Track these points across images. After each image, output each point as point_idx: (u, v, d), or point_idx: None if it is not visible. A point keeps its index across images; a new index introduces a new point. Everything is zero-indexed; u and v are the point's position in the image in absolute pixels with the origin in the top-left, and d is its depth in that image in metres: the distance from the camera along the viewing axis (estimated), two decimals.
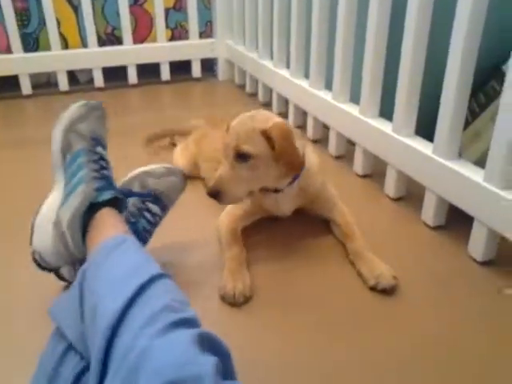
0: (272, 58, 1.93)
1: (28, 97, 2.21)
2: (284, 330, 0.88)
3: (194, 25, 2.33)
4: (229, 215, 1.14)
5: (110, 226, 0.81)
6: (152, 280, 0.62)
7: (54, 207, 0.88)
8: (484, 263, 1.03)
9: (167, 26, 2.33)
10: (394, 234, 1.17)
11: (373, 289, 0.96)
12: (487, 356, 0.82)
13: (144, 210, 1.01)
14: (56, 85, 2.27)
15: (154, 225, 1.03)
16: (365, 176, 1.43)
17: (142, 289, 0.60)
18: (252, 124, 1.00)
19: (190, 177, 1.40)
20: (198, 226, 1.20)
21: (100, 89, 2.30)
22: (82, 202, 0.84)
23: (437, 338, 0.85)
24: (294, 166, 1.02)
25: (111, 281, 0.65)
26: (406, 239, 1.14)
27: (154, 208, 1.02)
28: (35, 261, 0.89)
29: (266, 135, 0.98)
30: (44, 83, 2.38)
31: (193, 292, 0.98)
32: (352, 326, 0.89)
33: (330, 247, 1.12)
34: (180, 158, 1.45)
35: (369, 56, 1.30)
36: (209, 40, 2.41)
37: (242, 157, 0.98)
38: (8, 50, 2.14)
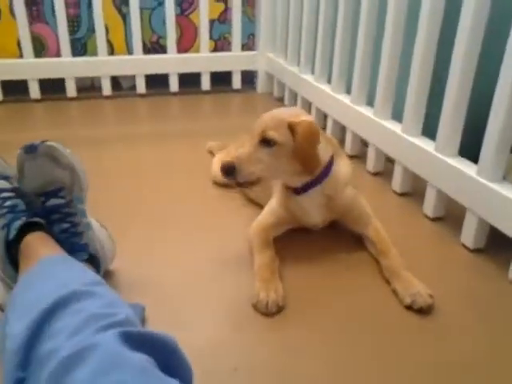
0: (313, 72, 1.94)
1: (72, 99, 2.28)
2: (316, 344, 0.87)
3: (237, 37, 2.37)
4: (260, 224, 1.14)
5: (33, 254, 0.78)
6: (72, 295, 0.60)
7: None
8: None
9: (211, 38, 2.38)
10: (432, 255, 1.15)
11: (408, 307, 0.95)
12: None
13: (48, 215, 0.88)
14: (99, 89, 2.34)
15: (69, 215, 0.90)
16: (403, 194, 1.41)
17: (59, 306, 0.58)
18: (282, 115, 1.04)
19: (227, 185, 1.43)
20: (233, 235, 1.20)
21: (141, 95, 2.35)
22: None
23: (469, 363, 0.83)
24: (307, 165, 1.03)
25: (25, 305, 0.62)
26: (444, 260, 1.12)
27: (51, 203, 0.89)
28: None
29: (292, 128, 1.01)
30: (88, 87, 2.46)
31: (223, 300, 0.99)
32: (385, 344, 0.87)
33: (363, 263, 1.10)
34: (219, 166, 1.47)
35: (414, 74, 1.29)
36: (251, 52, 2.44)
37: (266, 142, 1.01)
38: (58, 54, 2.22)
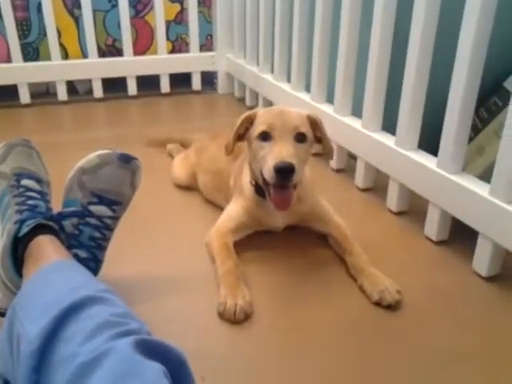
0: (272, 71, 1.93)
1: (27, 106, 2.20)
2: (284, 350, 0.86)
3: (194, 38, 2.34)
4: (219, 230, 1.10)
5: (43, 255, 0.77)
6: (85, 300, 0.59)
7: None
8: (489, 278, 1.02)
9: (168, 39, 2.33)
10: (397, 249, 1.15)
11: (377, 304, 0.94)
12: (492, 373, 0.80)
13: (86, 217, 0.88)
14: (55, 95, 2.26)
15: (106, 228, 0.90)
16: (366, 190, 1.42)
17: (73, 310, 0.58)
18: (297, 110, 1.05)
19: (188, 187, 1.40)
20: (197, 239, 1.17)
21: (99, 99, 2.29)
22: (7, 239, 0.81)
23: (440, 354, 0.83)
24: (331, 149, 1.09)
25: (38, 306, 0.61)
26: (409, 254, 1.13)
27: (99, 210, 0.89)
28: None
29: (311, 120, 1.04)
30: (43, 93, 2.37)
31: (188, 308, 0.96)
32: (354, 342, 0.86)
33: (327, 262, 1.09)
34: (179, 168, 1.44)
35: (372, 69, 1.29)
36: (209, 53, 2.41)
37: (300, 138, 1.00)
38: (8, 60, 2.13)
